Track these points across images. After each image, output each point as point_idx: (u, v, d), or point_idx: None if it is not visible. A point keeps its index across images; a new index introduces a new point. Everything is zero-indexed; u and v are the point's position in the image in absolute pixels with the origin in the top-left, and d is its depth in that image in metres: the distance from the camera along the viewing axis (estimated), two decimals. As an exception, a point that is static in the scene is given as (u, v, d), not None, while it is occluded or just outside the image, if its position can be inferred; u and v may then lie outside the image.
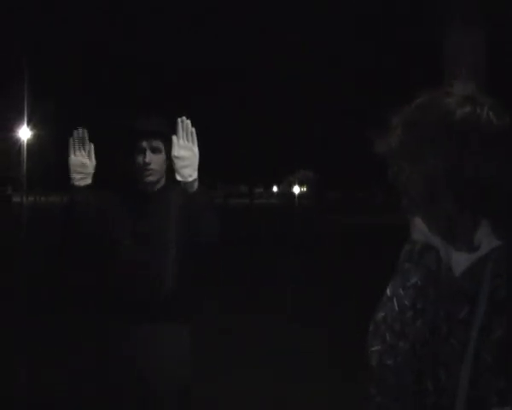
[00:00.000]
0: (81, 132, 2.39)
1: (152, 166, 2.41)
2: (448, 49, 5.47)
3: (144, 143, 2.41)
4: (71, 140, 2.37)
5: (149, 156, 2.41)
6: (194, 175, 2.27)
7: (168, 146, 2.38)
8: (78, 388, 4.01)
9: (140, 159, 2.41)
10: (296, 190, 52.27)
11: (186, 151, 2.25)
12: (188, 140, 2.26)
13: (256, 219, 27.49)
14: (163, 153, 2.43)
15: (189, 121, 2.28)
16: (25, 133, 20.45)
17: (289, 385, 4.55)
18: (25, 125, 20.22)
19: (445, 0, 5.52)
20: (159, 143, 2.42)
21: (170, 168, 2.46)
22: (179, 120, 2.26)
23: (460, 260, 1.04)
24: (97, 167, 2.48)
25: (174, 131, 2.31)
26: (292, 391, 4.44)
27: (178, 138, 2.25)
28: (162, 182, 2.51)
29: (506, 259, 0.98)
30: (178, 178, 2.27)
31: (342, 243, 16.04)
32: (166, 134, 2.39)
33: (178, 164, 2.25)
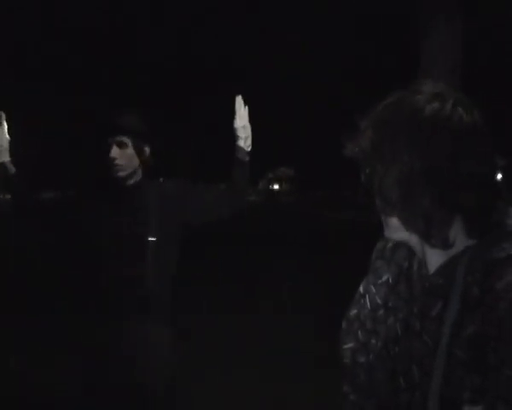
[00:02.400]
0: None
1: (118, 162, 2.42)
2: (426, 47, 5.50)
3: (110, 139, 2.43)
4: None
5: (114, 151, 2.41)
6: (250, 145, 2.55)
7: (138, 142, 2.43)
8: (65, 385, 4.02)
9: (107, 154, 2.43)
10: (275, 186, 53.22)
11: (246, 122, 2.50)
12: (245, 114, 2.52)
13: (243, 216, 27.45)
14: (130, 148, 2.44)
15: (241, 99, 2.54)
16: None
17: (289, 385, 4.55)
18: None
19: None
20: (124, 138, 2.43)
21: (145, 164, 2.50)
22: (237, 97, 2.51)
23: (434, 258, 1.04)
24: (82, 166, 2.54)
25: (149, 127, 2.49)
26: (292, 391, 4.44)
27: (239, 111, 2.50)
28: (136, 178, 2.50)
29: (479, 257, 0.98)
30: (241, 144, 2.51)
31: (334, 240, 16.03)
32: (135, 130, 2.43)
33: (243, 133, 2.50)
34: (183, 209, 2.49)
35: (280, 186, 61.19)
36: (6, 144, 2.57)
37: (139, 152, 2.45)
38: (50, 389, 4.30)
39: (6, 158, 2.57)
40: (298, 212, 32.69)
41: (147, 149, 2.49)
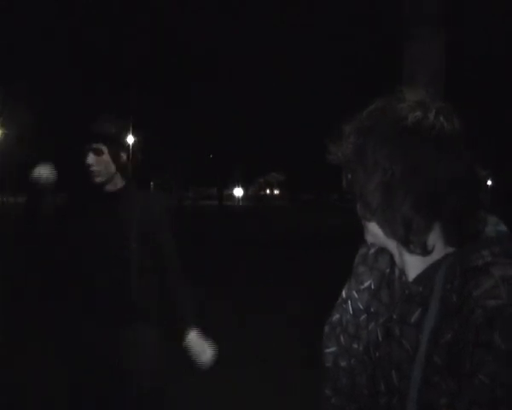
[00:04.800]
0: None
1: (95, 168, 2.46)
2: (409, 54, 5.57)
3: (86, 146, 2.47)
4: None
5: (91, 158, 2.46)
6: None
7: (114, 148, 2.47)
8: (49, 387, 4.00)
9: (84, 161, 2.47)
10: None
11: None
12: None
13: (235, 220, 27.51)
14: (106, 154, 2.47)
15: None
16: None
17: (291, 385, 4.56)
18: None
19: (407, 5, 5.63)
20: (100, 145, 2.47)
21: (123, 170, 2.53)
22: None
23: (413, 265, 1.05)
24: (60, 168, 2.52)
25: (123, 133, 2.51)
26: (294, 392, 4.44)
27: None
28: (118, 183, 2.53)
29: (458, 265, 0.99)
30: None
31: (323, 243, 16.08)
32: (111, 137, 2.48)
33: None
34: (147, 221, 2.51)
35: (271, 191, 61.41)
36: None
37: (115, 158, 2.49)
38: (37, 391, 4.27)
39: None
40: (288, 215, 32.76)
41: (123, 155, 2.52)
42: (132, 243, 2.44)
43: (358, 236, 1.15)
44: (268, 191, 63.60)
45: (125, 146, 2.53)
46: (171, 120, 22.19)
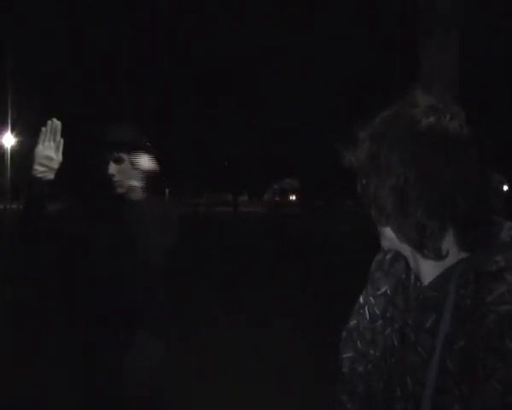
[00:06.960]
0: (54, 124, 2.30)
1: (117, 178, 2.38)
2: (423, 60, 5.55)
3: (107, 155, 2.38)
4: (42, 130, 2.28)
5: (112, 168, 2.38)
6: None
7: (134, 155, 2.40)
8: (49, 387, 4.01)
9: (105, 171, 2.39)
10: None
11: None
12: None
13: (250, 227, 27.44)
14: (126, 162, 2.40)
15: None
16: (8, 140, 20.52)
17: (291, 385, 4.55)
18: (8, 132, 20.26)
19: (422, 12, 5.61)
20: (121, 154, 2.39)
21: (148, 180, 2.46)
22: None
23: (428, 270, 1.06)
24: (73, 175, 2.44)
25: (141, 139, 2.43)
26: (294, 392, 4.44)
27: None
28: (139, 193, 2.45)
29: (472, 270, 1.00)
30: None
31: (337, 250, 16.04)
32: (131, 144, 2.41)
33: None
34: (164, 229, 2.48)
35: (285, 197, 60.98)
36: (57, 165, 2.34)
37: (136, 166, 2.43)
38: (37, 391, 4.26)
39: (51, 176, 2.35)
40: (303, 222, 32.67)
41: (144, 162, 2.45)
42: (143, 251, 2.40)
43: (367, 243, 1.14)
44: (285, 197, 63.10)
45: (145, 152, 2.45)
46: (171, 121, 22.18)
